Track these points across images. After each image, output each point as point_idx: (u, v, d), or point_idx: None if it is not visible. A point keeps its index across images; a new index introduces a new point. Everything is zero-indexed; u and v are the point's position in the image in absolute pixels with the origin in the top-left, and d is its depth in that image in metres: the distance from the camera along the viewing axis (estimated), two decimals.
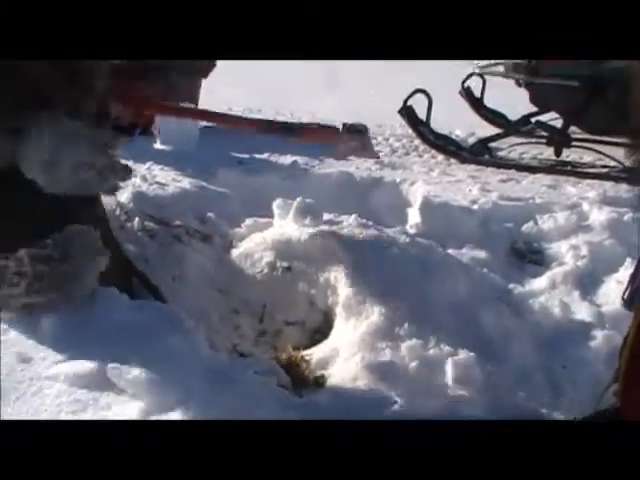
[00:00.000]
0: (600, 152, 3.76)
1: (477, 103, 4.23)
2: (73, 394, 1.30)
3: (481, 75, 4.14)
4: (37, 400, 1.29)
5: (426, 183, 3.23)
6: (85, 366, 1.35)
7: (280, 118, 4.49)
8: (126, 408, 1.27)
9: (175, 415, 1.27)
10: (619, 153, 3.73)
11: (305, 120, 4.48)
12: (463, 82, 4.19)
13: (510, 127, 4.02)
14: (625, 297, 1.39)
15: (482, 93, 4.24)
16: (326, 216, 2.27)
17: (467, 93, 4.23)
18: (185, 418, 1.26)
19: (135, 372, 1.32)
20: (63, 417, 1.23)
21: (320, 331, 2.15)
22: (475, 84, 4.29)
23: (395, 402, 1.68)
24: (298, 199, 2.32)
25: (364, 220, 2.25)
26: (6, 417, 1.22)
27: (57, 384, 1.32)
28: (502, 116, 4.22)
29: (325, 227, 2.19)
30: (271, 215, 2.46)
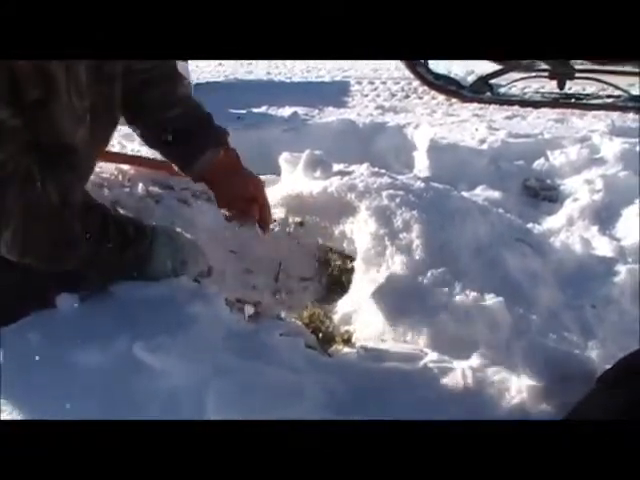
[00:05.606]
0: (605, 82, 3.66)
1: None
2: (102, 377, 1.23)
3: None
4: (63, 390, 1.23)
5: (431, 125, 3.16)
6: (111, 347, 1.28)
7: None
8: (159, 386, 1.21)
9: (207, 388, 1.21)
10: (624, 82, 3.65)
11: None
12: None
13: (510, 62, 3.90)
14: None
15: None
16: (336, 167, 2.19)
17: None
18: (218, 389, 1.20)
19: (162, 347, 1.26)
20: (96, 401, 1.17)
21: (338, 285, 2.09)
22: None
23: (426, 354, 1.63)
24: (307, 151, 2.22)
25: (376, 168, 2.17)
26: (48, 404, 1.16)
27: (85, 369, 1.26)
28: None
29: (336, 178, 2.11)
30: (276, 170, 2.38)
